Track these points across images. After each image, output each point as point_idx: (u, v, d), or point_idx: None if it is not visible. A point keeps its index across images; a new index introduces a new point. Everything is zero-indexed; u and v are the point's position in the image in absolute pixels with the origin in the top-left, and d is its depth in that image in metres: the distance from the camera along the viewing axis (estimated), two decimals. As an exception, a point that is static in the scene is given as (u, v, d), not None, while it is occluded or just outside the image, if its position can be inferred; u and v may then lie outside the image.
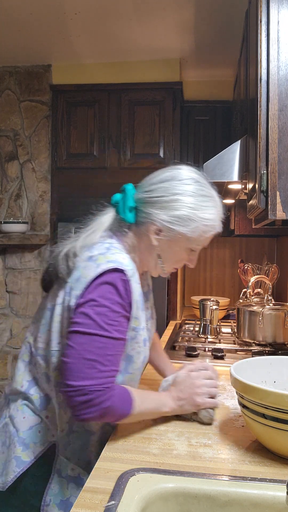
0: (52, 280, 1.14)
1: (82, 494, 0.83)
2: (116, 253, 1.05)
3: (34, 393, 1.11)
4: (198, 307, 2.29)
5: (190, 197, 1.09)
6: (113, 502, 0.78)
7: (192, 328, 2.47)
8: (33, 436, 1.09)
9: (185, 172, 1.13)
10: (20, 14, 2.46)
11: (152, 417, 1.13)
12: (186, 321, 2.76)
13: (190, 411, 1.14)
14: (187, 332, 2.38)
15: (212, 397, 1.16)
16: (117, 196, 1.16)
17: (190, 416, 1.17)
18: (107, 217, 1.16)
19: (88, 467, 1.09)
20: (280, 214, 1.28)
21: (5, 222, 2.98)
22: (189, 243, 1.12)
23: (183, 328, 2.53)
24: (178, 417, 1.17)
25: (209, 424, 1.15)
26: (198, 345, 2.02)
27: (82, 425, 1.11)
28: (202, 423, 1.15)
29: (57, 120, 3.07)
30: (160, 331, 2.62)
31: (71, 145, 3.05)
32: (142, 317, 1.11)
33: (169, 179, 1.11)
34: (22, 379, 1.14)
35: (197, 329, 2.33)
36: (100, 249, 1.06)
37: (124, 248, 1.12)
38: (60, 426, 1.10)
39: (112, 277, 1.01)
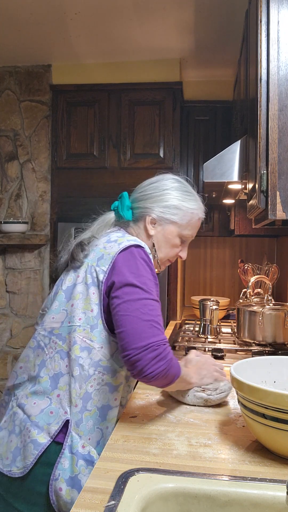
0: (63, 268, 1.27)
1: (82, 494, 0.83)
2: (132, 237, 1.23)
3: (44, 375, 1.15)
4: (198, 307, 2.29)
5: (176, 191, 1.30)
6: (113, 502, 0.79)
7: (192, 328, 2.47)
8: (45, 417, 1.12)
9: (170, 175, 1.35)
10: (20, 14, 2.46)
11: (183, 387, 1.27)
12: (186, 321, 2.76)
13: (208, 383, 1.30)
14: (187, 332, 2.38)
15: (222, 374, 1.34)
16: (116, 203, 1.34)
17: (182, 398, 1.31)
18: (110, 216, 1.33)
19: (97, 446, 1.12)
20: (280, 214, 1.28)
21: (5, 222, 2.98)
22: (180, 230, 1.30)
23: (183, 328, 2.53)
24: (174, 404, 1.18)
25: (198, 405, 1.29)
26: (198, 345, 2.02)
27: (95, 404, 1.14)
28: (192, 403, 1.29)
29: (57, 120, 3.07)
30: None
31: (71, 145, 3.05)
32: None
33: (158, 180, 1.33)
34: (34, 364, 1.19)
35: (197, 329, 2.33)
36: (117, 235, 1.22)
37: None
38: (73, 402, 1.12)
39: (137, 251, 1.16)
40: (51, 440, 1.09)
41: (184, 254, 1.36)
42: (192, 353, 1.40)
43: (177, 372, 1.13)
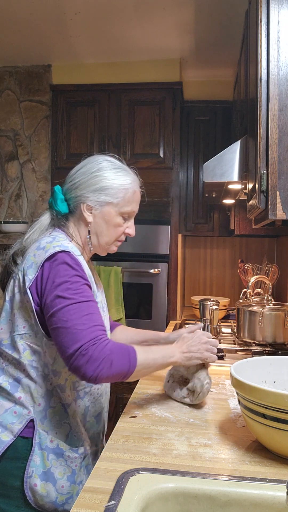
0: (6, 280, 1.26)
1: (82, 494, 0.83)
2: (61, 241, 1.19)
3: (3, 381, 1.17)
4: (198, 307, 2.29)
5: (105, 171, 1.26)
6: (113, 502, 0.79)
7: (192, 328, 2.46)
8: (9, 417, 1.14)
9: (97, 156, 1.31)
10: (20, 14, 2.46)
11: (160, 368, 1.22)
12: (186, 321, 2.76)
13: (194, 363, 1.26)
14: (187, 332, 2.38)
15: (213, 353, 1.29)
16: (50, 199, 1.32)
17: (180, 398, 1.30)
18: (45, 216, 1.31)
19: (66, 439, 1.17)
20: (280, 214, 1.28)
21: (5, 222, 2.98)
22: (117, 208, 1.27)
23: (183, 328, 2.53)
24: (169, 401, 1.18)
25: (195, 404, 1.26)
26: (198, 345, 2.01)
27: (59, 401, 1.17)
28: (192, 400, 1.27)
29: (57, 120, 3.07)
30: (160, 331, 2.62)
31: (71, 145, 3.05)
32: (96, 293, 1.27)
33: (85, 164, 1.29)
34: None
35: (197, 329, 2.32)
36: (47, 240, 1.20)
37: (67, 238, 1.23)
38: (36, 401, 1.16)
39: (61, 257, 1.14)
40: (14, 438, 1.12)
41: (131, 231, 1.32)
42: (183, 330, 1.40)
43: (127, 364, 1.10)
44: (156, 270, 2.88)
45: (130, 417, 1.20)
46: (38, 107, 3.12)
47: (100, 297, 1.36)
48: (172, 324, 2.80)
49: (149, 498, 0.82)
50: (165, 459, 0.97)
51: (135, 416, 1.21)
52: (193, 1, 2.32)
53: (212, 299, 2.22)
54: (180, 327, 2.59)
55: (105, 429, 1.37)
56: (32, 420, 1.14)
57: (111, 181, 1.25)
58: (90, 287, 1.18)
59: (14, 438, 1.12)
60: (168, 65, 3.01)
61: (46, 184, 3.12)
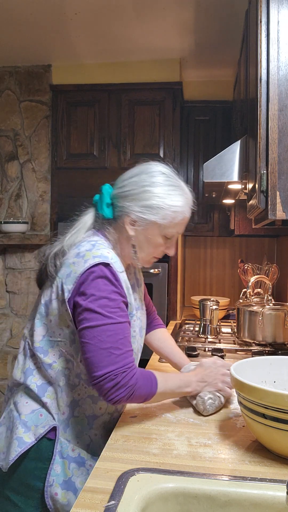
0: (44, 278, 1.22)
1: (82, 494, 0.83)
2: (101, 249, 1.13)
3: (31, 383, 1.16)
4: (198, 307, 2.29)
5: (157, 188, 1.18)
6: (113, 502, 0.79)
7: (192, 328, 2.47)
8: (34, 419, 1.14)
9: (153, 166, 1.23)
10: (20, 14, 2.46)
11: (175, 396, 1.25)
12: (186, 321, 2.76)
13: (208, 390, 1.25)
14: (187, 332, 2.38)
15: (229, 388, 1.29)
16: (97, 196, 1.27)
17: (191, 400, 1.27)
18: (89, 216, 1.26)
19: (88, 448, 1.15)
20: (280, 214, 1.28)
21: (5, 222, 2.98)
22: (162, 229, 1.20)
23: (183, 328, 2.53)
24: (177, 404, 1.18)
25: (204, 415, 1.22)
26: (198, 345, 2.02)
27: (83, 412, 1.16)
28: (199, 411, 1.23)
29: (57, 120, 3.07)
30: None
31: (71, 145, 3.05)
32: (133, 305, 1.24)
33: (138, 173, 1.22)
34: (20, 371, 1.20)
35: (197, 329, 2.33)
36: (86, 246, 1.14)
37: (108, 244, 1.20)
38: (61, 409, 1.15)
39: (102, 270, 1.10)
40: (35, 441, 1.11)
41: (170, 251, 1.27)
42: (210, 358, 1.38)
43: (148, 392, 1.11)
44: (156, 270, 2.87)
45: (130, 417, 1.20)
46: (38, 107, 3.12)
47: (138, 296, 1.35)
48: (172, 324, 2.80)
49: (149, 498, 0.82)
50: (165, 459, 0.97)
51: (135, 416, 1.21)
52: (193, 1, 2.32)
53: (212, 299, 2.22)
54: (180, 327, 2.59)
55: None
56: (55, 428, 1.13)
57: (163, 200, 1.17)
58: (126, 304, 1.14)
59: (35, 441, 1.11)
60: (168, 65, 3.01)
61: (46, 184, 3.13)
